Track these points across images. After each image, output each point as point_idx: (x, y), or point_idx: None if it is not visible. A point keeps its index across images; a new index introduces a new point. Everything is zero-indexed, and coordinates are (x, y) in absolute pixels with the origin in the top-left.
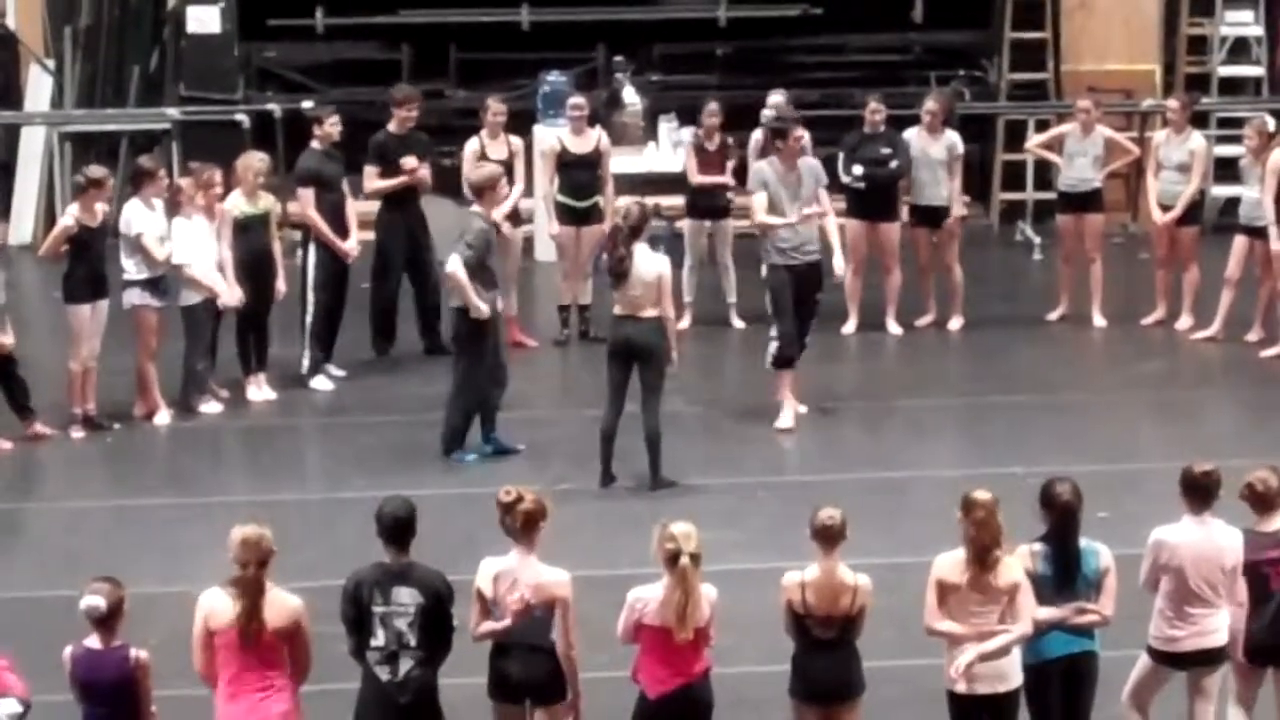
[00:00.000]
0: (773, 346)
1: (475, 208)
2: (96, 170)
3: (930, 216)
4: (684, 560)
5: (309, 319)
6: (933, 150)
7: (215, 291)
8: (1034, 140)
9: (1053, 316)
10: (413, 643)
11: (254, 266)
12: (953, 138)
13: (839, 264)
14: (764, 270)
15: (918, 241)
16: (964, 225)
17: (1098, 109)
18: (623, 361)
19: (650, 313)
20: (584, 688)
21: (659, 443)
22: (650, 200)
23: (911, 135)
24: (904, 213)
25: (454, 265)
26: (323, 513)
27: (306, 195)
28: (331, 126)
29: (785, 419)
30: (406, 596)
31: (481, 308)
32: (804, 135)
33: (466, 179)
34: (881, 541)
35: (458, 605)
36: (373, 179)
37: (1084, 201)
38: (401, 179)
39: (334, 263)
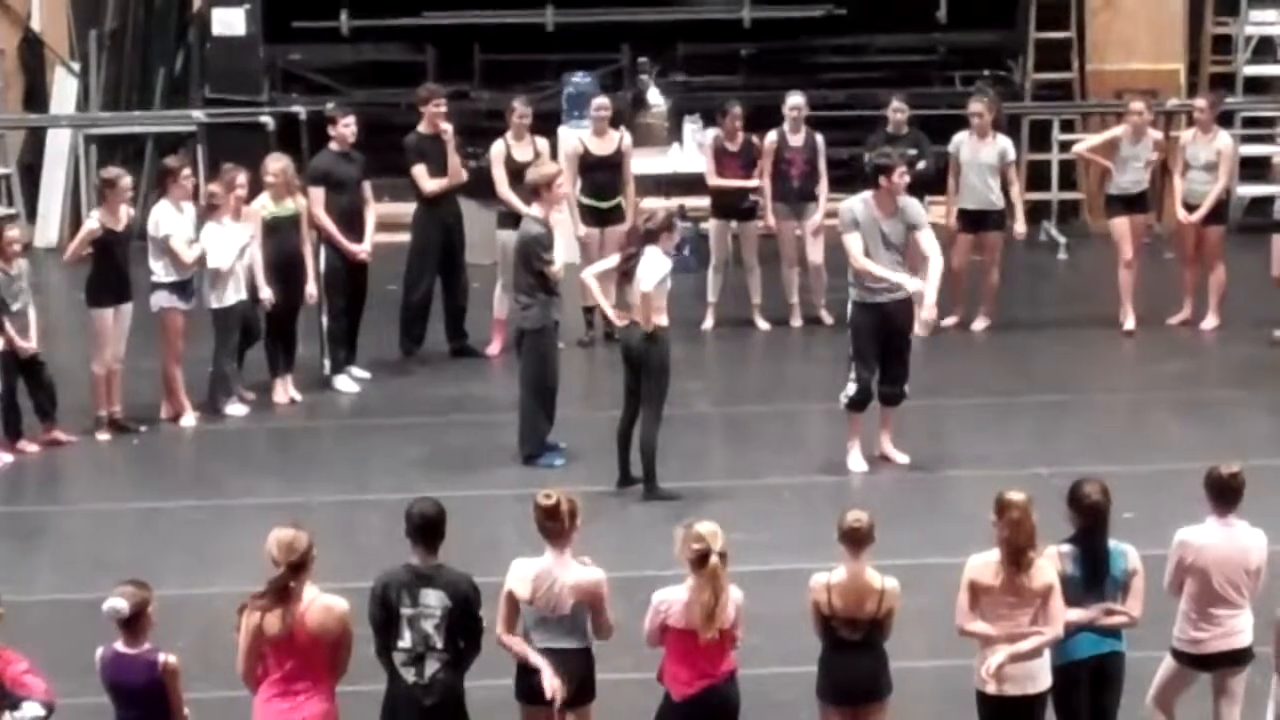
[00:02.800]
0: (850, 388)
1: (533, 209)
2: (110, 171)
3: (978, 221)
4: (713, 559)
5: (325, 320)
6: (983, 154)
7: (262, 294)
8: (1083, 144)
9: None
10: (439, 645)
11: (283, 268)
12: (1005, 143)
13: (928, 315)
14: (849, 308)
15: (958, 245)
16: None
17: (1150, 111)
18: (628, 365)
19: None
20: (610, 689)
21: (652, 454)
22: (675, 201)
23: (962, 139)
24: (952, 214)
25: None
26: (347, 515)
27: (316, 195)
28: (345, 127)
29: (856, 462)
30: (434, 599)
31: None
32: (906, 175)
33: (499, 182)
34: (908, 542)
35: (484, 607)
36: (425, 178)
37: (1135, 203)
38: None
39: (344, 264)
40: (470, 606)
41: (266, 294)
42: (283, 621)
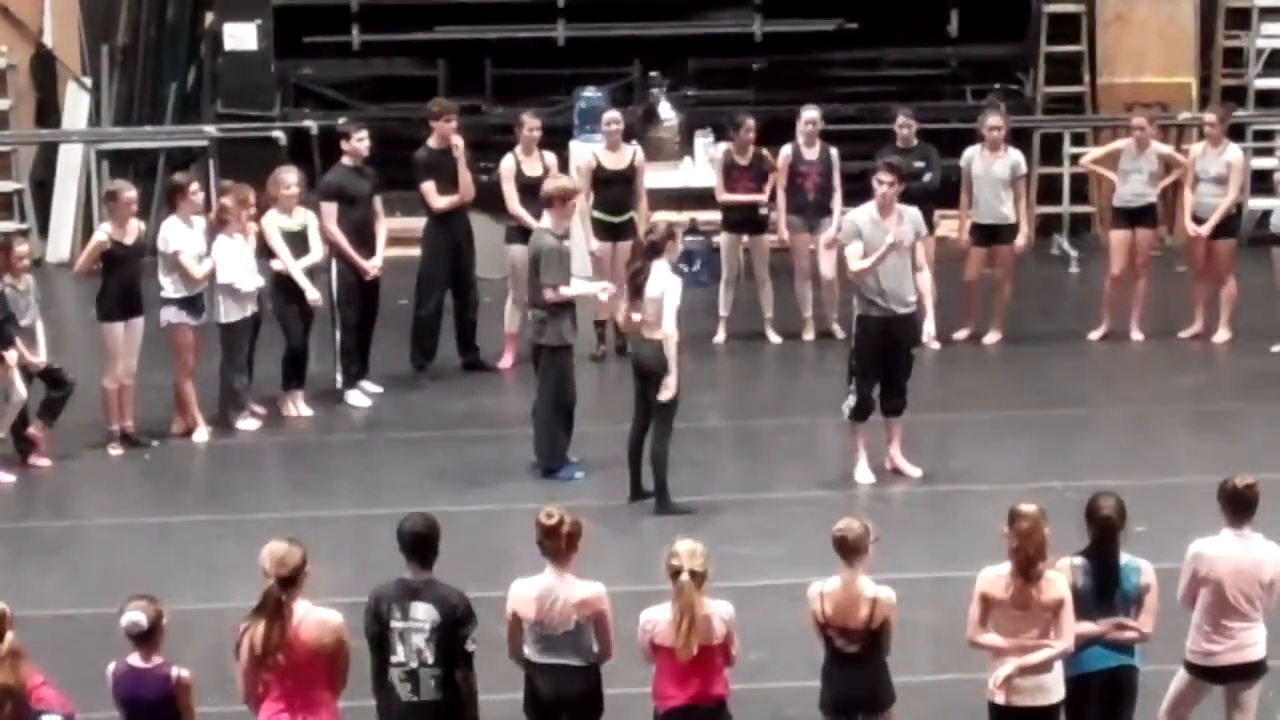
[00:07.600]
0: (850, 400)
1: (545, 222)
2: (113, 183)
3: (991, 235)
4: (683, 578)
5: (337, 334)
6: (995, 168)
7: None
8: (1088, 156)
9: (1095, 336)
10: (430, 660)
11: (294, 282)
12: (1016, 157)
13: (930, 330)
14: (854, 324)
15: (970, 258)
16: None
17: (1153, 125)
18: (639, 379)
19: (657, 334)
20: (620, 704)
21: (664, 467)
22: (687, 215)
23: (973, 153)
24: (964, 228)
25: (568, 293)
26: (359, 529)
27: (328, 210)
28: (359, 142)
29: (863, 474)
30: (423, 613)
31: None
32: (893, 181)
33: (510, 198)
34: (919, 556)
35: (490, 622)
36: (434, 195)
37: (1138, 217)
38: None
39: (356, 279)
40: (458, 621)
41: (314, 295)
42: (278, 638)
